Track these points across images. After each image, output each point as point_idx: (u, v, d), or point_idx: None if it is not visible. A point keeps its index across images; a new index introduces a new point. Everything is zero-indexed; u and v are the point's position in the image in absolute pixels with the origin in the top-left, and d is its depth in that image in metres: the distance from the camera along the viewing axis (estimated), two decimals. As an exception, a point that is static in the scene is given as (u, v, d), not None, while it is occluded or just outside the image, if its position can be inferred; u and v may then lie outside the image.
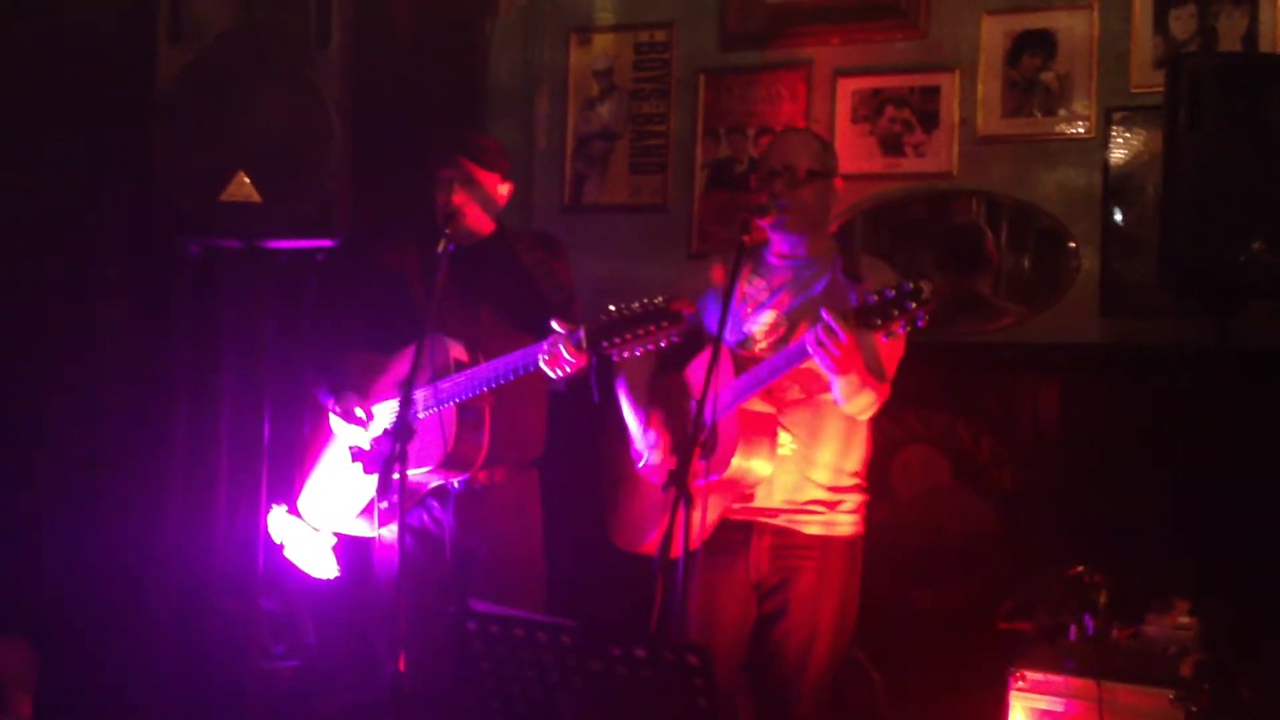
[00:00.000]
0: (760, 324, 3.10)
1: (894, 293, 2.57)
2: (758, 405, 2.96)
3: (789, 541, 3.03)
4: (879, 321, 2.59)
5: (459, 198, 3.31)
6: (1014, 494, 3.84)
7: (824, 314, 2.67)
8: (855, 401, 2.90)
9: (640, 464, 3.13)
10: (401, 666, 2.77)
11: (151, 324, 3.71)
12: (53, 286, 3.62)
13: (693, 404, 3.05)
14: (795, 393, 3.02)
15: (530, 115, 4.63)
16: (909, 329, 2.62)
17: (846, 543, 3.06)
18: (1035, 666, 2.95)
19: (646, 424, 3.11)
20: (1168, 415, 3.60)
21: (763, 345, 3.08)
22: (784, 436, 2.99)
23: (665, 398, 3.17)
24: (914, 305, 2.55)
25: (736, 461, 2.89)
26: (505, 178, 3.43)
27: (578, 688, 2.24)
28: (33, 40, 3.56)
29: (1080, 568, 3.11)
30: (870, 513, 3.21)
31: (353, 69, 3.35)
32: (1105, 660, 2.91)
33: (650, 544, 3.12)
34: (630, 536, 3.20)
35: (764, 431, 2.95)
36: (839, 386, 2.87)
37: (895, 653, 3.66)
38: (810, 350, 2.72)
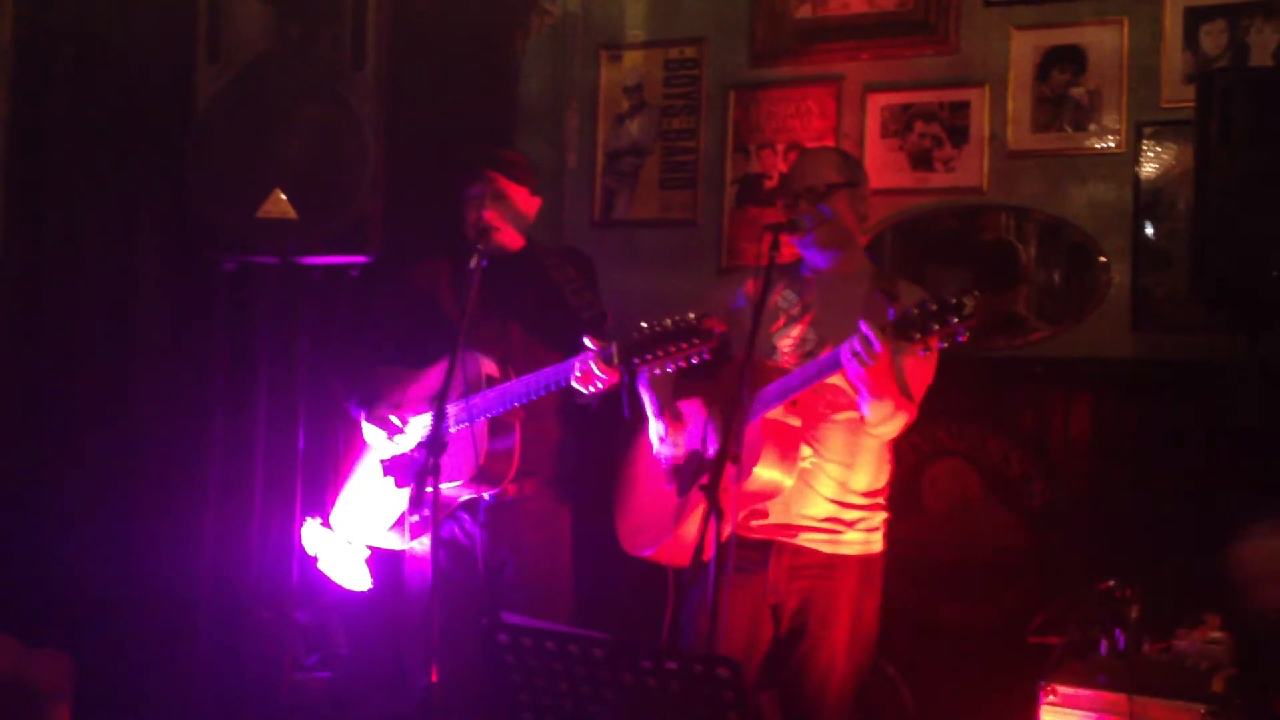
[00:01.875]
0: (788, 337, 3.11)
1: (936, 305, 2.51)
2: (785, 418, 2.97)
3: (804, 561, 3.04)
4: (917, 335, 2.52)
5: (490, 213, 3.34)
6: (1045, 509, 3.82)
7: (861, 325, 2.64)
8: (877, 412, 2.88)
9: (654, 450, 3.13)
10: (434, 678, 2.79)
11: (188, 339, 3.76)
12: (92, 301, 3.67)
13: (719, 412, 3.07)
14: (821, 407, 3.03)
15: (561, 132, 4.66)
16: (947, 344, 2.55)
17: (859, 561, 3.06)
18: (1066, 681, 2.94)
19: (659, 414, 3.12)
20: (1199, 430, 3.59)
21: (789, 358, 3.09)
22: (805, 450, 3.00)
23: (692, 402, 3.19)
24: (955, 320, 2.47)
25: (759, 471, 2.89)
26: (534, 192, 3.47)
27: (609, 700, 2.25)
28: (75, 62, 3.62)
29: (1111, 582, 3.10)
30: (900, 527, 3.21)
31: (386, 88, 3.39)
32: (1136, 675, 2.90)
33: (655, 552, 3.14)
34: (634, 540, 3.22)
35: (788, 444, 2.95)
36: (871, 408, 2.86)
37: (925, 667, 3.66)
38: (844, 361, 2.71)
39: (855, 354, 2.66)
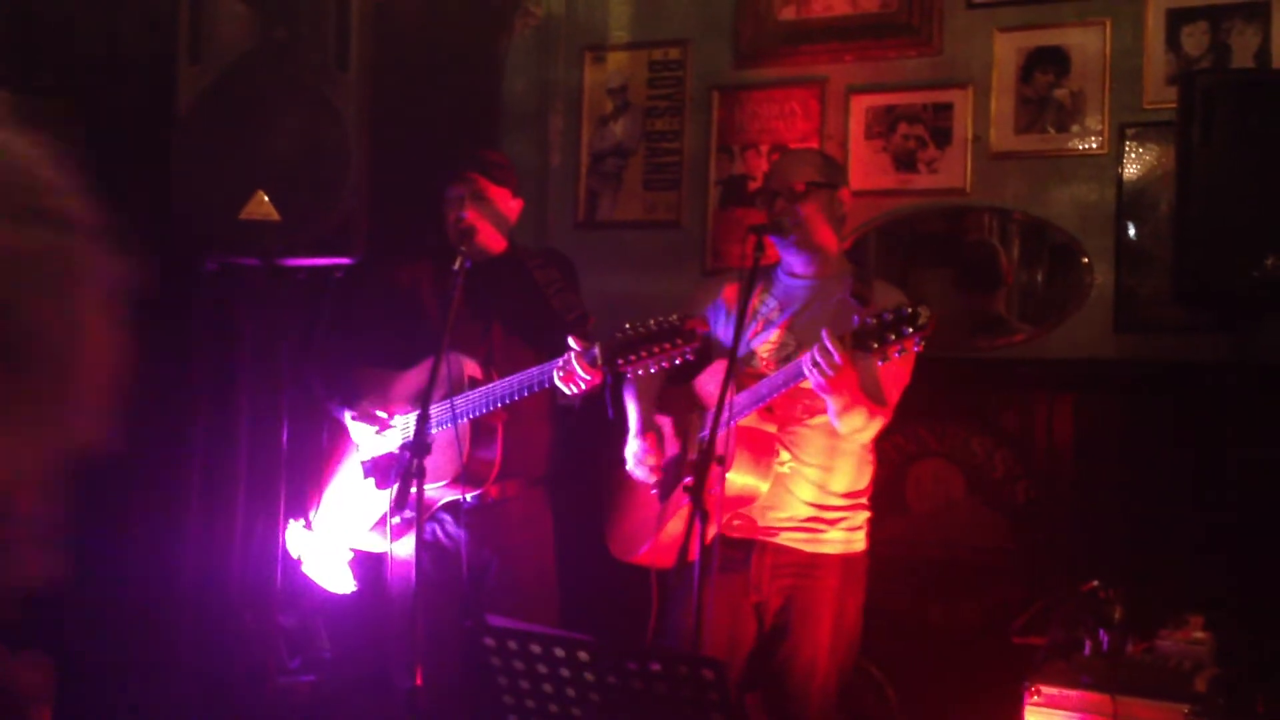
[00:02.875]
0: (766, 342, 3.12)
1: (891, 316, 2.58)
2: (759, 423, 2.97)
3: (786, 560, 3.05)
4: (875, 345, 2.60)
5: (471, 214, 3.34)
6: (1028, 509, 3.84)
7: (822, 335, 2.69)
8: (847, 422, 2.90)
9: (627, 466, 3.14)
10: (418, 681, 2.79)
11: (171, 341, 3.74)
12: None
13: (697, 416, 3.07)
14: (798, 411, 3.04)
15: (544, 133, 4.65)
16: (904, 354, 2.62)
17: (840, 560, 3.06)
18: (1050, 681, 2.95)
19: (641, 432, 3.13)
20: (1182, 430, 3.60)
21: (767, 363, 3.09)
22: (784, 455, 3.00)
23: (671, 408, 3.20)
24: (910, 330, 2.56)
25: (733, 477, 2.90)
26: (515, 194, 3.47)
27: (594, 702, 2.25)
28: (56, 60, 3.60)
29: (1095, 582, 3.11)
30: (884, 527, 3.22)
31: (370, 89, 3.38)
32: (1120, 675, 2.91)
33: (643, 555, 3.14)
34: (624, 546, 3.22)
35: (763, 449, 2.96)
36: (830, 405, 2.88)
37: (909, 667, 3.67)
38: (805, 370, 2.74)
39: (816, 364, 2.69)
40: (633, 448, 3.12)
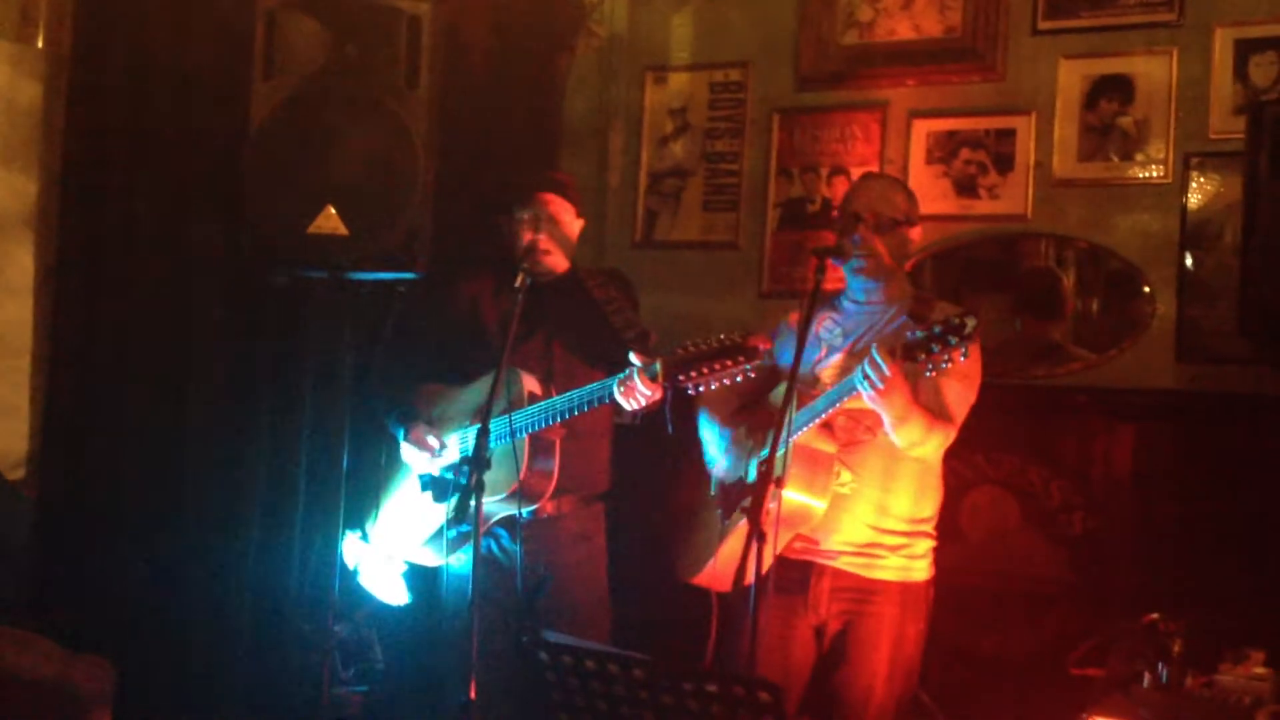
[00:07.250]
0: (830, 366, 3.11)
1: (940, 328, 2.62)
2: (818, 442, 2.97)
3: (846, 584, 3.03)
4: (922, 355, 2.64)
5: (541, 234, 3.36)
6: (1085, 539, 3.80)
7: (872, 348, 2.71)
8: (905, 434, 2.89)
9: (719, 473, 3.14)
10: (472, 695, 2.80)
11: (238, 351, 3.80)
12: (146, 312, 3.71)
13: (759, 437, 3.07)
14: (859, 432, 3.03)
15: (604, 152, 4.69)
16: (950, 364, 2.64)
17: (899, 588, 3.04)
18: (1107, 713, 2.91)
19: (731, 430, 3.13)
20: (1242, 462, 3.56)
21: (829, 388, 3.09)
22: (845, 475, 3.00)
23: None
24: (955, 339, 2.60)
25: (789, 495, 2.89)
26: (579, 213, 3.50)
27: (649, 721, 2.25)
28: (132, 75, 3.68)
29: (1154, 615, 3.07)
30: (938, 554, 3.20)
31: (438, 107, 3.42)
32: (1179, 709, 2.87)
33: (703, 576, 3.14)
34: (688, 566, 3.22)
35: (821, 468, 2.96)
36: (885, 418, 2.88)
37: (963, 697, 3.63)
38: (857, 383, 2.76)
39: (866, 376, 2.72)
40: (735, 439, 3.13)
